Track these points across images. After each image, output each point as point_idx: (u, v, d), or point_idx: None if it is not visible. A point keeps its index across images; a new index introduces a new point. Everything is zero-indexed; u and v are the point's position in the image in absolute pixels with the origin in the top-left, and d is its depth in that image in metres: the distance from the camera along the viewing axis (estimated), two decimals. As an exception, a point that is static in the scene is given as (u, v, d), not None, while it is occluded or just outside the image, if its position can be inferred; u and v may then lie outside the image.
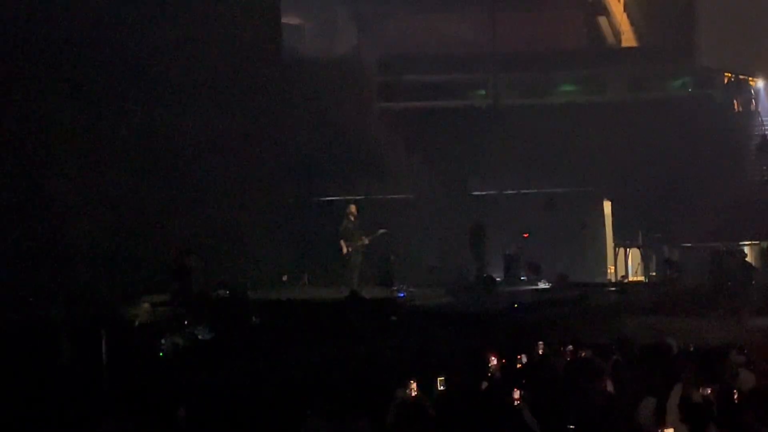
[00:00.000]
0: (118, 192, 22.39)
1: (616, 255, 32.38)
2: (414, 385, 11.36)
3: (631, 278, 31.14)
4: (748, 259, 28.05)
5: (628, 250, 32.47)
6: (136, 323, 18.06)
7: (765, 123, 35.67)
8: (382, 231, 24.24)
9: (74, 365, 14.79)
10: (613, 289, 26.74)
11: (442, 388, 11.99)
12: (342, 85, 31.68)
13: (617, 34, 39.89)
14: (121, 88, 23.09)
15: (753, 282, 25.16)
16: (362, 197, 28.30)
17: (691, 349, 16.08)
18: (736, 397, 11.16)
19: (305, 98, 29.81)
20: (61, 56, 21.68)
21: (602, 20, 40.21)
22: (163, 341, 16.76)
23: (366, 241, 24.20)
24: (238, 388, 13.95)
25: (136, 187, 22.77)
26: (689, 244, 30.35)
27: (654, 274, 30.96)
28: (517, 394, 10.49)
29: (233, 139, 25.82)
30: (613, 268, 32.14)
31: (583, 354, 14.81)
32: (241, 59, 26.40)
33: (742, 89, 37.00)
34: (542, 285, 26.80)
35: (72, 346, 15.04)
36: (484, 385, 12.39)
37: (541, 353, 15.28)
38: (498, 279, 27.12)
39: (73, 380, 14.14)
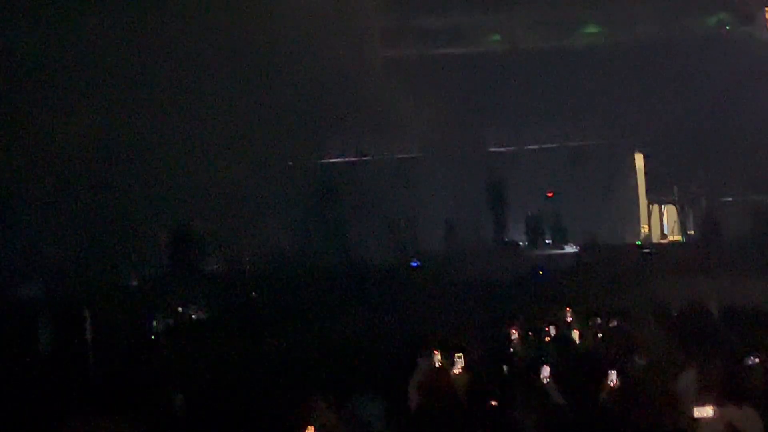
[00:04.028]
0: (106, 163, 22.40)
1: (649, 213, 32.30)
2: (438, 355, 11.50)
3: (667, 237, 31.09)
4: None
5: (663, 206, 32.37)
6: (124, 303, 18.12)
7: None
8: None
9: (55, 351, 14.85)
10: (648, 250, 26.69)
11: (461, 365, 12.01)
12: (341, 30, 31.46)
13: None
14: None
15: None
16: (368, 157, 28.20)
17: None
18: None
19: (299, 47, 29.60)
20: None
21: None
22: (154, 322, 16.80)
23: None
24: (237, 369, 13.99)
25: (125, 156, 22.79)
26: (730, 199, 30.25)
27: (692, 232, 30.89)
28: (546, 371, 10.50)
29: (222, 96, 25.72)
30: (647, 227, 32.07)
31: (615, 323, 14.81)
32: (228, 5, 26.26)
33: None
34: (569, 248, 26.77)
35: (53, 329, 15.09)
36: (507, 361, 12.42)
37: (569, 322, 15.30)
38: (521, 243, 27.09)
39: (55, 367, 14.21)
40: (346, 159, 28.57)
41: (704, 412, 9.16)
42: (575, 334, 14.45)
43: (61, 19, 21.92)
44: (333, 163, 29.79)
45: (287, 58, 29.10)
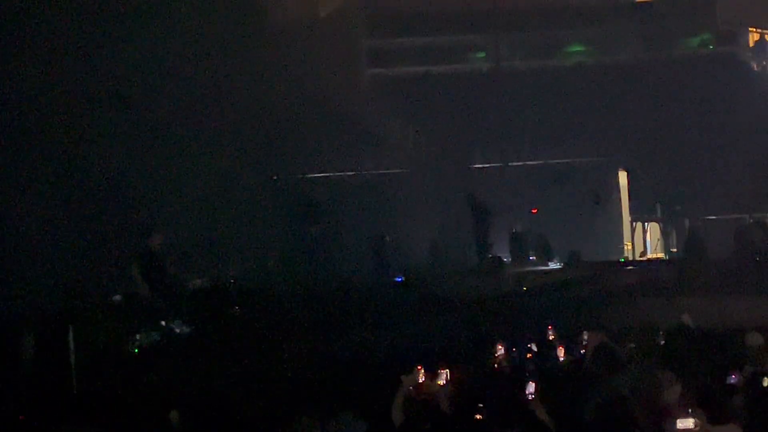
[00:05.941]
0: (85, 176, 22.26)
1: (633, 230, 32.36)
2: (422, 372, 11.43)
3: (650, 255, 31.14)
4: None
5: (646, 224, 32.45)
6: (107, 318, 17.97)
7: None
8: None
9: (38, 365, 14.74)
10: (631, 267, 26.72)
11: (444, 382, 11.96)
12: (328, 48, 31.50)
13: (630, -13, 39.70)
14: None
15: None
16: (353, 172, 28.18)
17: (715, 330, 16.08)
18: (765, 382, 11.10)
19: (287, 64, 29.62)
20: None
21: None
22: (137, 336, 16.68)
23: None
24: (220, 386, 13.90)
25: (103, 169, 22.64)
26: (712, 217, 30.34)
27: (675, 250, 30.97)
28: (531, 388, 10.45)
29: (207, 111, 25.66)
30: (630, 244, 32.13)
31: (599, 340, 14.75)
32: (216, 21, 26.21)
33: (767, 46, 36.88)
34: (553, 265, 26.77)
35: (35, 344, 14.98)
36: (491, 378, 12.37)
37: (551, 339, 15.27)
38: (505, 260, 27.07)
39: (37, 382, 14.10)
40: (331, 174, 28.53)
41: (686, 424, 9.15)
42: (560, 351, 14.43)
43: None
44: (318, 178, 29.76)
45: (273, 74, 29.11)
